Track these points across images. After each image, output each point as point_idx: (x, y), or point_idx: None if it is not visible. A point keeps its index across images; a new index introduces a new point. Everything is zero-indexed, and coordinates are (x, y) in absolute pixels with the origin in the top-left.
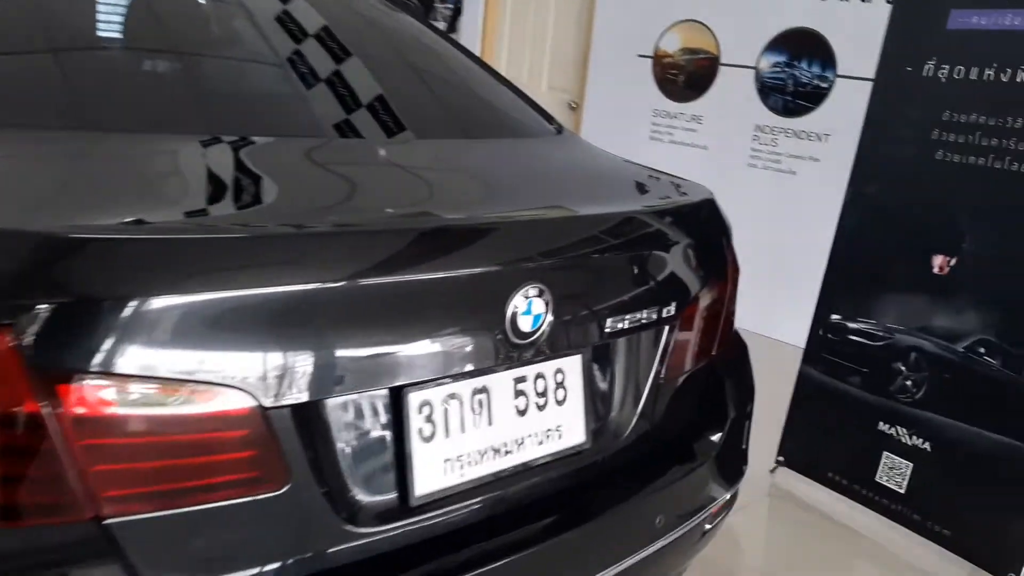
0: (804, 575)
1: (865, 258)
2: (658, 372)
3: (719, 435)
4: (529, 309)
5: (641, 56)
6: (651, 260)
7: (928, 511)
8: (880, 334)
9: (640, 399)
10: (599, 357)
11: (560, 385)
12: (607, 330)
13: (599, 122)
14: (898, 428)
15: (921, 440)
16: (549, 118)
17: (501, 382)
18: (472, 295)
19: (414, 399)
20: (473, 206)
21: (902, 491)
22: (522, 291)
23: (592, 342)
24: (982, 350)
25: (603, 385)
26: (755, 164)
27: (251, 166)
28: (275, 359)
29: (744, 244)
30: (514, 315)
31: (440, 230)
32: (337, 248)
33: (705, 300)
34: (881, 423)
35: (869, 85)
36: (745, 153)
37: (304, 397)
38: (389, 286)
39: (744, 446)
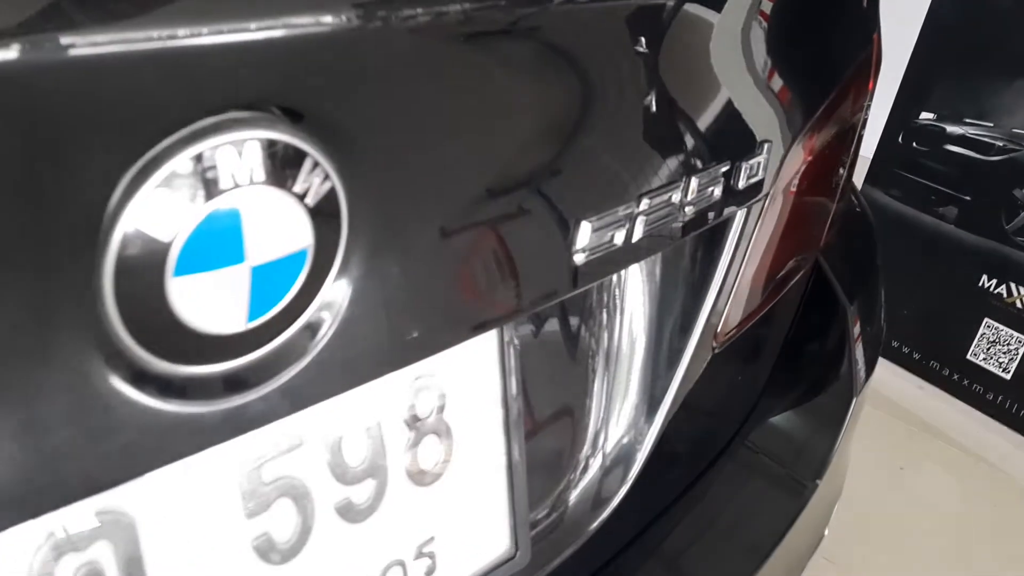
0: (857, 482)
1: (984, 22)
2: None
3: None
4: None
5: None
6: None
7: None
8: (999, 143)
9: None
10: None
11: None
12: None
13: None
14: (1010, 285)
15: None
16: None
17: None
18: None
19: None
20: None
21: (1007, 376)
22: None
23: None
24: None
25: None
26: None
27: None
28: None
29: None
30: None
31: None
32: None
33: (823, 143)
34: (984, 277)
35: None
36: None
37: None
38: None
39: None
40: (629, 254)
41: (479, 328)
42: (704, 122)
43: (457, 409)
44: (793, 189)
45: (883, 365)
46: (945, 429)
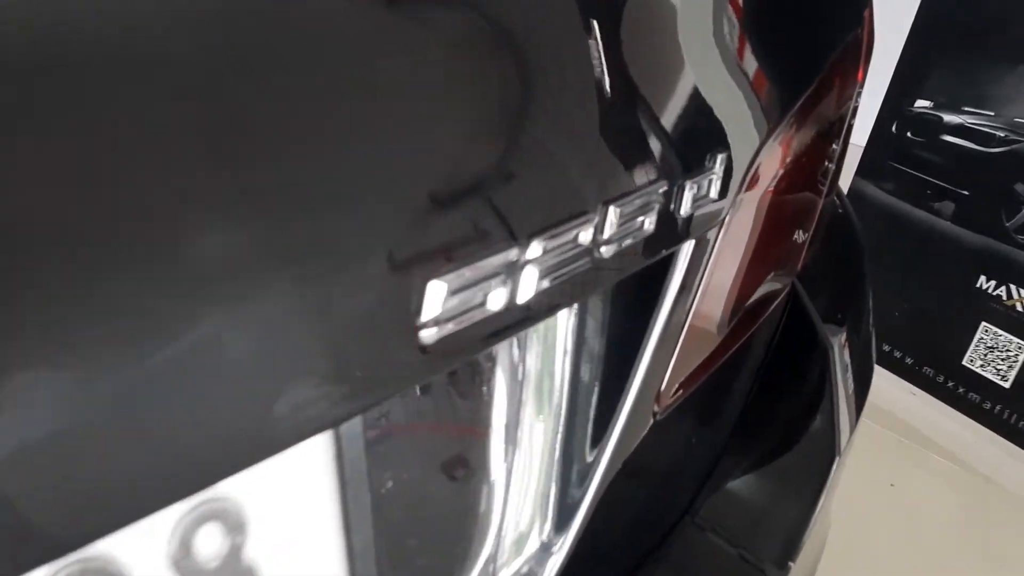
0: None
1: (985, 3)
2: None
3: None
4: None
5: None
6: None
7: None
8: (1000, 134)
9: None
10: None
11: None
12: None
13: None
14: (1010, 287)
15: None
16: None
17: None
18: None
19: None
20: None
21: (1006, 384)
22: None
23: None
24: None
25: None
26: None
27: None
28: None
29: None
30: None
31: None
32: None
33: (800, 148)
34: (982, 278)
35: None
36: None
37: None
38: None
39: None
40: (513, 320)
41: (270, 448)
42: (629, 129)
43: (264, 543)
44: (761, 207)
45: (874, 370)
46: (939, 440)
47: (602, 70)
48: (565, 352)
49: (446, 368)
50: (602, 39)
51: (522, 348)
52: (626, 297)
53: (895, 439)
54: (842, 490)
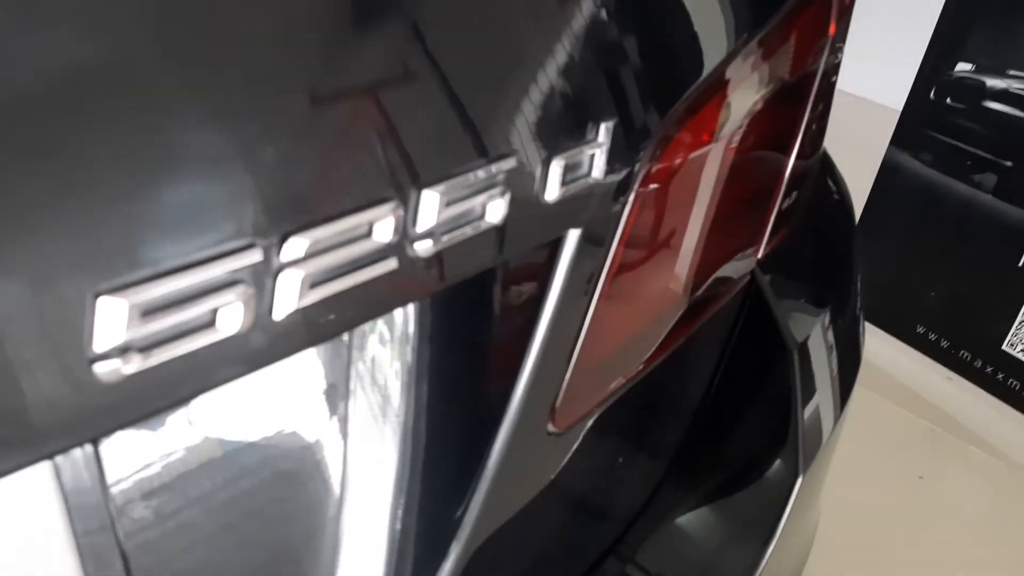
0: (868, 494)
1: None
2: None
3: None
4: None
5: None
6: None
7: None
8: None
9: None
10: None
11: None
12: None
13: None
14: None
15: None
16: None
17: None
18: None
19: None
20: None
21: None
22: None
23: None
24: None
25: None
26: None
27: None
28: None
29: None
30: None
31: None
32: None
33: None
34: None
35: None
36: None
37: None
38: None
39: None
40: (267, 344)
41: None
42: (455, 89)
43: None
44: (695, 184)
45: (906, 353)
46: (975, 428)
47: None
48: (428, 359)
49: (151, 411)
50: None
51: (371, 349)
52: (504, 295)
53: (927, 427)
54: (865, 482)
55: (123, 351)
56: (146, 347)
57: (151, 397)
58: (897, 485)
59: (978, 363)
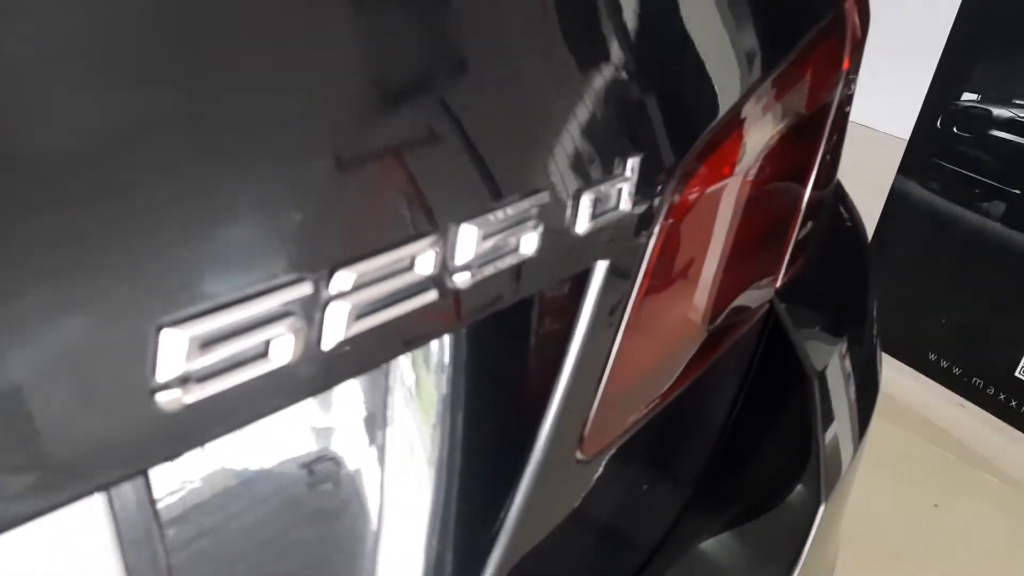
0: (884, 524)
1: None
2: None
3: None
4: None
5: None
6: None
7: None
8: None
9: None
10: None
11: None
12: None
13: None
14: None
15: None
16: None
17: None
18: None
19: None
20: None
21: None
22: None
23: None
24: None
25: None
26: None
27: None
28: None
29: None
30: None
31: None
32: None
33: (757, 147)
34: None
35: None
36: None
37: None
38: None
39: None
40: (316, 375)
41: None
42: (491, 128)
43: None
44: (713, 217)
45: (919, 380)
46: (988, 456)
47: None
48: (463, 388)
49: (206, 439)
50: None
51: (408, 380)
52: (535, 326)
53: (940, 455)
54: (879, 511)
55: (183, 381)
56: (204, 377)
57: (206, 426)
58: (912, 514)
59: (991, 390)
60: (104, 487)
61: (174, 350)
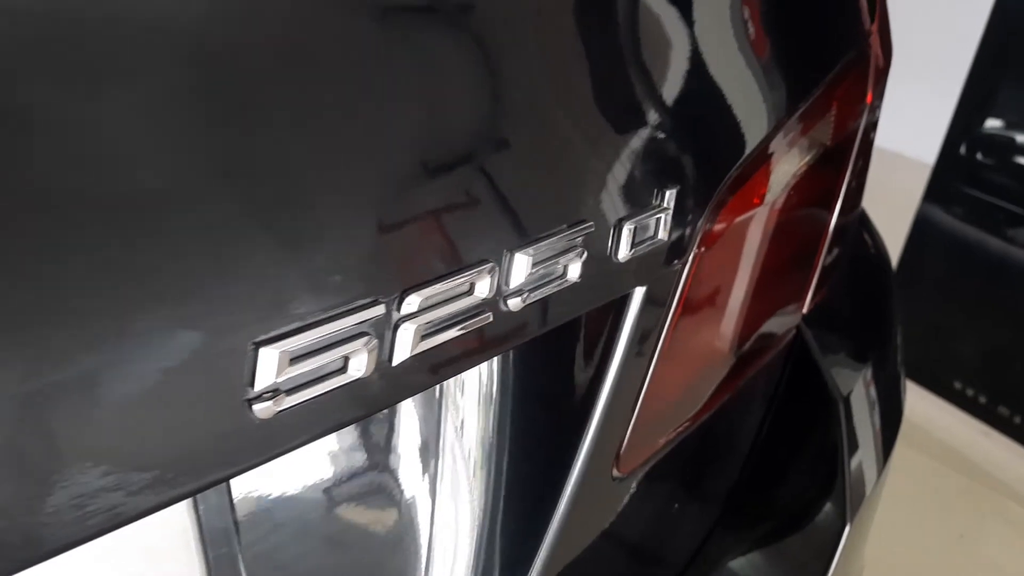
0: (909, 554)
1: None
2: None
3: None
4: None
5: None
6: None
7: None
8: None
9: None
10: None
11: None
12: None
13: None
14: None
15: None
16: None
17: None
18: None
19: None
20: None
21: None
22: None
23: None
24: None
25: None
26: None
27: None
28: None
29: None
30: None
31: None
32: None
33: (785, 178)
34: None
35: None
36: None
37: None
38: None
39: None
40: (386, 389)
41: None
42: (543, 161)
43: None
44: (743, 244)
45: (943, 408)
46: (1014, 485)
47: (502, 77)
48: (509, 407)
49: (289, 447)
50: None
51: (460, 399)
52: (576, 349)
53: (966, 484)
54: (906, 541)
55: (274, 392)
56: (291, 389)
57: (291, 435)
58: (937, 544)
59: (1017, 419)
60: (205, 488)
61: (268, 364)
